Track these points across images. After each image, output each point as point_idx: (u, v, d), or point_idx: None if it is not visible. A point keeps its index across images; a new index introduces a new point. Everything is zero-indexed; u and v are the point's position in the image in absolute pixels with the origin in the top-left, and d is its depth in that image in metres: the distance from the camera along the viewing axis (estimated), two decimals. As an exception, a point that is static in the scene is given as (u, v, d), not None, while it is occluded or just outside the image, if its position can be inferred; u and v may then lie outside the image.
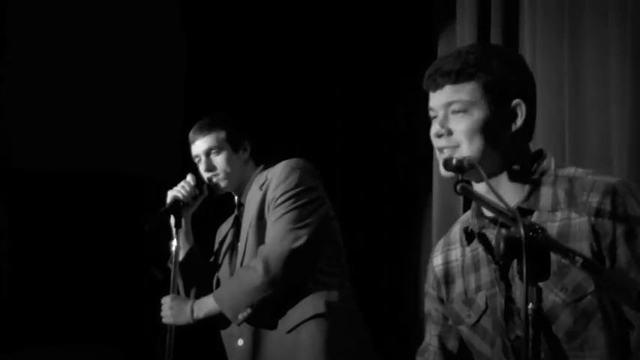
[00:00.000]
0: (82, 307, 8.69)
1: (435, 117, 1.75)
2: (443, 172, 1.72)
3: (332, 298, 2.53)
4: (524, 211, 1.68)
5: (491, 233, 1.74)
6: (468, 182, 1.70)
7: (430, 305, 1.93)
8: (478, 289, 1.77)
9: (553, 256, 1.52)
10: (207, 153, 2.70)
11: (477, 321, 1.78)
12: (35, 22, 7.51)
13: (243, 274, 2.51)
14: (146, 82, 7.75)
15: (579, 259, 1.38)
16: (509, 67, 1.72)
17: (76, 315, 8.59)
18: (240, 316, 2.53)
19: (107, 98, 8.02)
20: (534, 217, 1.70)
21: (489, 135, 1.69)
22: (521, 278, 1.41)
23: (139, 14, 7.38)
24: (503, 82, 1.70)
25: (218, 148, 2.70)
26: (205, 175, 2.66)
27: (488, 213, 1.74)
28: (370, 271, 4.03)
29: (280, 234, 2.49)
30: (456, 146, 1.70)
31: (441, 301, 1.90)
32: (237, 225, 2.74)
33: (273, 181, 2.58)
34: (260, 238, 2.58)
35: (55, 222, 9.11)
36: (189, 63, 6.28)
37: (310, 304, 2.51)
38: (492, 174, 1.72)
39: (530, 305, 1.37)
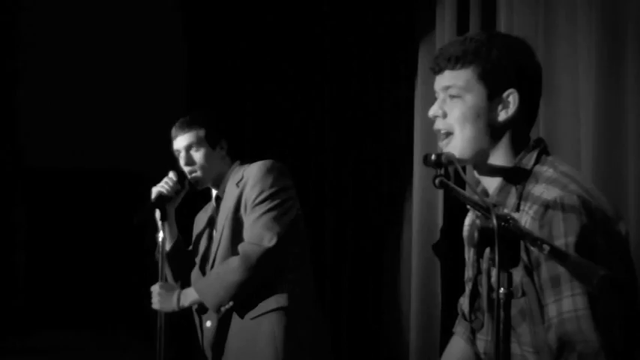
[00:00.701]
0: (91, 293, 8.68)
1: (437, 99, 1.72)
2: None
3: (294, 293, 2.57)
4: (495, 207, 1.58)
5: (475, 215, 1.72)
6: (446, 176, 1.67)
7: (469, 267, 1.88)
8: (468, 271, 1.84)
9: None
10: (187, 149, 2.72)
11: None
12: (46, 31, 7.49)
13: (224, 271, 2.53)
14: (150, 88, 7.74)
15: (547, 247, 1.37)
16: (509, 55, 1.65)
17: (85, 301, 8.59)
18: (222, 309, 2.58)
19: (113, 103, 8.02)
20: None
21: (480, 122, 1.64)
22: (493, 265, 1.41)
23: (144, 25, 7.37)
24: (499, 70, 1.63)
25: (197, 145, 2.72)
26: (185, 169, 2.67)
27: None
28: (356, 259, 4.02)
29: (258, 234, 2.52)
30: (450, 132, 1.66)
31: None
32: (214, 215, 2.75)
33: (250, 180, 2.60)
34: (234, 231, 2.61)
35: (65, 216, 9.09)
36: (189, 70, 6.26)
37: (274, 297, 2.55)
38: (482, 161, 1.69)
39: (501, 290, 1.37)
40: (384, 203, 3.76)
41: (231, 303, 2.57)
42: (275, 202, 2.56)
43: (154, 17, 7.21)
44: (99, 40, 7.62)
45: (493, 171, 1.68)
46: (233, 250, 2.60)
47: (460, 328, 1.91)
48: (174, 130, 2.75)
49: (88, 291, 8.54)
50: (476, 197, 1.59)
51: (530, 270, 1.55)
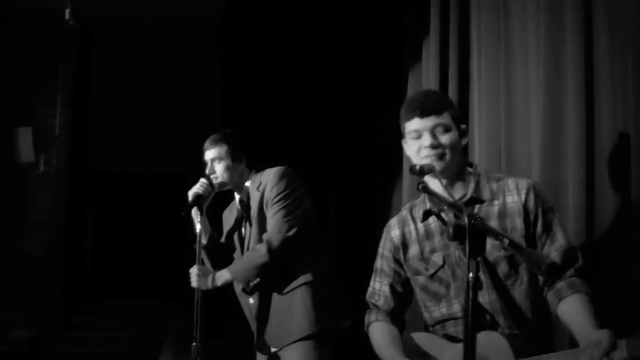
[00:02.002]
0: (145, 271, 8.72)
1: (418, 137, 1.83)
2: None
3: (316, 269, 2.60)
4: (476, 199, 1.80)
5: (445, 214, 1.83)
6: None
7: (384, 263, 1.98)
8: (433, 250, 1.85)
9: (496, 225, 1.74)
10: (212, 160, 2.74)
11: (435, 272, 1.85)
12: (113, 63, 7.54)
13: (251, 255, 2.58)
14: (191, 109, 7.80)
15: (506, 240, 1.40)
16: (451, 102, 1.95)
17: (142, 276, 8.63)
18: (251, 284, 2.61)
19: (164, 121, 8.08)
20: (479, 206, 1.80)
21: (458, 146, 1.84)
22: (464, 254, 1.41)
23: (190, 61, 7.42)
24: (456, 113, 1.88)
25: (219, 159, 2.74)
26: (207, 174, 2.73)
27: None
28: (355, 243, 4.00)
29: (277, 225, 2.57)
30: (443, 154, 1.80)
31: (396, 260, 1.95)
32: (241, 217, 2.79)
33: (268, 184, 2.65)
34: (261, 226, 2.65)
35: (124, 209, 9.15)
36: (223, 95, 6.29)
37: (302, 276, 2.58)
38: (454, 173, 1.83)
39: (470, 275, 1.37)
40: (381, 196, 3.75)
41: (257, 279, 2.61)
42: (289, 200, 2.61)
43: (197, 54, 7.25)
44: (154, 71, 7.67)
45: (461, 178, 1.85)
46: (259, 240, 2.64)
47: (377, 316, 1.96)
48: (205, 144, 2.79)
49: (142, 269, 8.58)
50: (451, 199, 1.61)
51: (528, 227, 1.76)
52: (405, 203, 3.32)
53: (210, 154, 2.73)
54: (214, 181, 2.69)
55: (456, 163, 1.81)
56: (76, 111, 6.84)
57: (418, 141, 1.82)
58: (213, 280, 2.58)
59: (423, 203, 1.89)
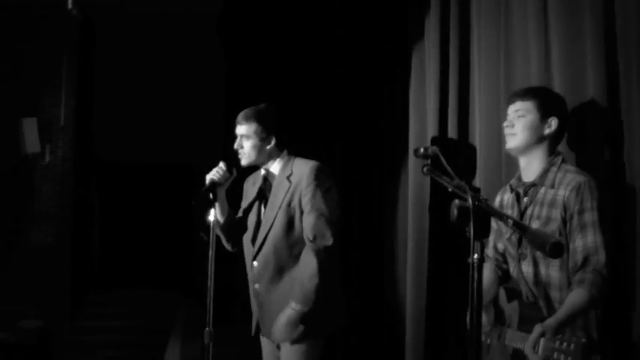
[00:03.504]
0: (152, 260, 8.75)
1: (506, 119, 2.13)
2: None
3: (329, 272, 2.57)
4: (534, 184, 2.04)
5: (520, 190, 2.09)
6: (434, 166, 1.75)
7: (493, 222, 2.13)
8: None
9: (545, 211, 1.94)
10: (241, 136, 2.70)
11: (510, 236, 2.11)
12: (116, 55, 7.53)
13: (306, 278, 2.50)
14: (196, 100, 7.78)
15: (510, 221, 1.40)
16: (553, 96, 2.12)
17: (150, 266, 8.66)
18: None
19: (168, 112, 8.07)
20: (542, 190, 2.02)
21: (532, 131, 2.04)
22: (468, 235, 1.42)
23: (194, 54, 7.40)
24: (546, 104, 2.07)
25: (247, 137, 2.68)
26: (235, 148, 2.69)
27: (524, 178, 2.10)
28: (362, 227, 3.99)
29: (321, 231, 2.52)
30: (514, 134, 2.06)
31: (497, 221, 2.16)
32: (262, 196, 2.74)
33: (304, 180, 2.59)
34: (287, 221, 2.60)
35: (130, 199, 9.17)
36: (228, 85, 6.27)
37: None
38: (529, 155, 2.07)
39: (475, 256, 1.38)
40: (385, 186, 3.74)
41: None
42: (329, 202, 2.56)
43: (201, 43, 7.21)
44: (158, 60, 7.65)
45: (534, 163, 2.06)
46: (287, 237, 2.60)
47: (487, 263, 2.21)
48: (238, 117, 2.72)
49: (149, 258, 8.61)
50: (455, 182, 1.61)
51: (565, 222, 1.93)
52: (411, 187, 3.35)
53: (240, 129, 2.67)
54: (240, 156, 2.66)
55: (528, 143, 2.03)
56: (80, 101, 6.85)
57: (505, 123, 2.10)
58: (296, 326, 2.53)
59: (515, 179, 2.16)
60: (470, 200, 1.41)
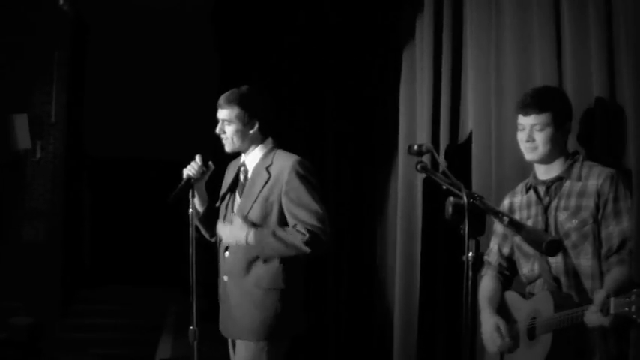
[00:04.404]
0: (143, 257, 8.71)
1: (521, 130, 2.10)
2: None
3: (292, 277, 2.49)
4: (560, 178, 2.06)
5: (540, 188, 2.10)
6: (428, 163, 1.74)
7: (497, 226, 2.23)
8: (528, 217, 2.09)
9: (574, 201, 1.97)
10: (223, 121, 2.62)
11: None
12: (107, 52, 7.47)
13: (294, 237, 2.40)
14: (188, 97, 7.74)
15: (506, 219, 1.39)
16: (564, 101, 2.12)
17: (141, 262, 8.62)
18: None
19: (157, 109, 8.03)
20: (567, 184, 2.05)
21: (554, 143, 2.06)
22: (464, 234, 1.40)
23: (186, 51, 7.35)
24: (562, 113, 2.07)
25: (229, 121, 2.57)
26: (217, 133, 2.60)
27: (541, 176, 2.11)
28: (353, 223, 3.98)
29: (313, 219, 2.40)
30: (536, 148, 2.06)
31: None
32: (237, 182, 2.62)
33: (286, 175, 2.47)
34: (264, 216, 2.48)
35: (120, 195, 9.12)
36: (221, 79, 6.23)
37: (282, 280, 2.47)
38: (552, 158, 2.08)
39: (470, 254, 1.36)
40: (376, 185, 3.73)
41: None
42: (317, 199, 2.45)
43: (193, 39, 7.17)
44: (150, 56, 7.60)
45: (554, 163, 2.09)
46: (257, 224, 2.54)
47: (486, 270, 2.24)
48: (219, 101, 2.58)
49: (140, 255, 8.56)
50: (450, 179, 1.59)
51: (598, 209, 1.97)
52: (401, 183, 3.34)
53: (221, 113, 2.55)
54: (222, 142, 2.56)
55: (550, 154, 2.05)
56: (71, 97, 6.79)
57: (521, 133, 2.09)
58: (247, 236, 2.41)
59: (529, 179, 2.17)
60: (465, 197, 1.39)
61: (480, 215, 1.41)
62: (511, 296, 2.13)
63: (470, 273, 1.34)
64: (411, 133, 3.27)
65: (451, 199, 1.44)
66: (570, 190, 2.03)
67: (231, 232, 2.47)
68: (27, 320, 5.62)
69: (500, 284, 2.21)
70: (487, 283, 2.23)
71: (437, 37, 3.05)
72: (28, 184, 6.38)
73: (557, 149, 2.07)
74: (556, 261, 1.99)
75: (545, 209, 2.06)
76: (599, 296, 1.74)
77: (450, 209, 1.41)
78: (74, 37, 6.80)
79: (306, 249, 2.39)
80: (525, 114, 2.07)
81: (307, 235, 2.40)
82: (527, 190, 2.16)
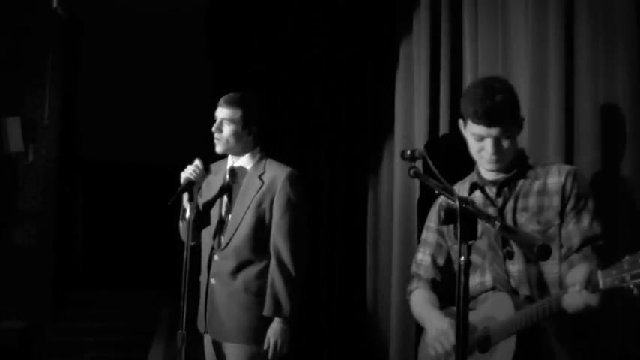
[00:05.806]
0: (136, 261, 8.69)
1: (480, 139, 1.91)
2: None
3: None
4: (511, 178, 1.94)
5: (489, 188, 1.97)
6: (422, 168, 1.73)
7: (429, 235, 2.09)
8: None
9: (534, 201, 1.86)
10: (223, 120, 2.62)
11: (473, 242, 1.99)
12: (101, 54, 7.46)
13: (279, 284, 2.54)
14: (182, 100, 7.74)
15: (497, 223, 1.40)
16: (517, 103, 1.96)
17: (134, 266, 8.59)
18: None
19: (152, 113, 8.02)
20: (520, 183, 1.94)
21: (515, 145, 1.94)
22: (456, 238, 1.41)
23: (179, 54, 7.35)
24: (518, 112, 1.94)
25: (229, 122, 2.60)
26: (213, 132, 2.62)
27: (487, 176, 1.97)
28: (348, 226, 3.97)
29: (295, 239, 2.57)
30: (502, 159, 1.92)
31: (440, 232, 2.05)
32: (227, 190, 2.66)
33: (279, 184, 2.57)
34: (256, 222, 2.58)
35: (113, 198, 9.09)
36: (214, 83, 6.23)
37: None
38: (508, 160, 1.95)
39: (462, 258, 1.37)
40: (370, 188, 3.72)
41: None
42: (301, 214, 2.59)
43: (187, 43, 7.17)
44: (143, 60, 7.60)
45: (511, 164, 1.96)
46: (253, 237, 2.58)
47: (417, 284, 2.09)
48: (221, 100, 2.62)
49: (133, 259, 8.54)
50: (442, 184, 1.60)
51: (564, 207, 1.87)
52: (397, 190, 3.33)
53: (222, 112, 2.58)
54: (215, 141, 2.59)
55: (511, 158, 1.91)
56: (64, 101, 6.77)
57: (480, 143, 1.90)
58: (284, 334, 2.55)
59: (471, 178, 2.01)
60: (457, 202, 1.41)
61: (471, 219, 1.42)
62: (452, 312, 1.90)
63: (462, 277, 1.35)
64: (409, 135, 3.23)
65: (444, 203, 1.45)
66: (528, 190, 1.91)
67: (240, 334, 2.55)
68: (18, 324, 5.59)
69: (435, 295, 2.05)
70: (421, 293, 2.07)
71: (433, 34, 3.01)
72: (20, 187, 6.34)
73: (514, 152, 1.95)
74: (517, 269, 1.84)
75: (500, 211, 1.91)
76: (579, 274, 1.57)
77: (442, 214, 1.43)
78: (68, 40, 6.78)
79: (298, 276, 2.55)
80: (489, 125, 1.86)
81: (287, 272, 2.54)
82: (471, 190, 1.99)
